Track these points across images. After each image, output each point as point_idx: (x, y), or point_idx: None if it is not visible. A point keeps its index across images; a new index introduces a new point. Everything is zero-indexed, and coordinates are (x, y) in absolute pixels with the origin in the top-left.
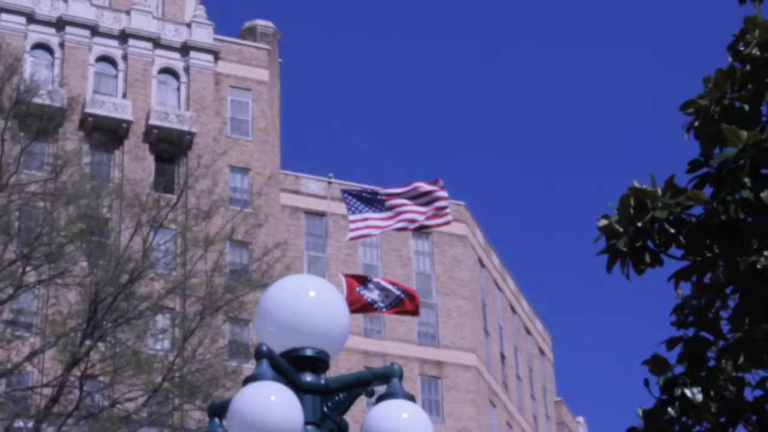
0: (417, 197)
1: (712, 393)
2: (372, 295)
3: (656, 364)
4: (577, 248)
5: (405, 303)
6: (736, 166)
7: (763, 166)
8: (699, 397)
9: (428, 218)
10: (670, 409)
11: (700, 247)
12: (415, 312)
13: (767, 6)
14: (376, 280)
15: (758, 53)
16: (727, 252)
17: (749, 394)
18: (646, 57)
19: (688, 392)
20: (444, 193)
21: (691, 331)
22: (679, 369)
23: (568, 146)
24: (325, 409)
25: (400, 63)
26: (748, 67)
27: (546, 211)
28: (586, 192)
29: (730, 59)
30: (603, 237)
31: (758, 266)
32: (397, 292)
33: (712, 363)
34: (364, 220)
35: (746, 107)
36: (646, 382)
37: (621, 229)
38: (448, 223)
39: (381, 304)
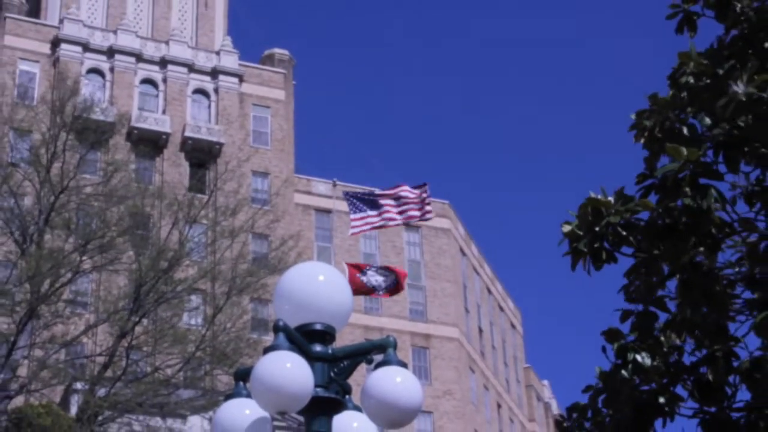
0: (405, 197)
1: (657, 358)
2: (372, 281)
3: (611, 334)
4: (543, 239)
5: (398, 286)
6: (678, 177)
7: (701, 177)
8: (647, 361)
9: (413, 215)
10: (623, 372)
11: (648, 246)
12: (401, 289)
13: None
14: (374, 268)
15: (693, 82)
16: (670, 250)
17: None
18: (618, 68)
19: (638, 357)
20: (427, 195)
21: (640, 306)
22: (630, 338)
23: (538, 153)
24: (332, 374)
25: (394, 83)
26: (685, 94)
27: (518, 209)
28: (551, 192)
29: (669, 87)
30: (566, 240)
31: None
32: (392, 278)
33: (657, 333)
34: (364, 218)
35: (684, 129)
36: (604, 349)
37: (581, 233)
38: (429, 218)
39: (379, 290)
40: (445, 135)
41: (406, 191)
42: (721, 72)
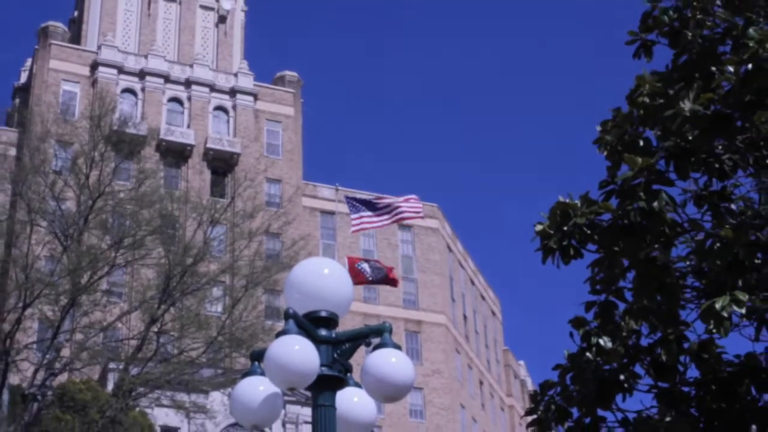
0: (397, 205)
1: (617, 341)
2: (366, 271)
3: (578, 322)
4: (520, 237)
5: (387, 278)
6: (634, 184)
7: (654, 183)
8: (609, 344)
9: (404, 216)
10: (588, 354)
11: (609, 243)
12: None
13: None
14: (370, 262)
15: (648, 101)
16: (628, 246)
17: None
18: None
19: (600, 341)
20: (417, 204)
21: (602, 297)
22: (593, 324)
23: (515, 162)
24: (336, 355)
25: (391, 99)
26: (641, 112)
27: (498, 210)
28: (528, 195)
29: (628, 106)
30: (538, 238)
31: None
32: (381, 272)
33: (617, 319)
34: (362, 218)
35: (641, 142)
36: (571, 335)
37: (552, 232)
38: (420, 217)
39: (371, 278)
40: (433, 143)
41: (398, 200)
42: (671, 92)
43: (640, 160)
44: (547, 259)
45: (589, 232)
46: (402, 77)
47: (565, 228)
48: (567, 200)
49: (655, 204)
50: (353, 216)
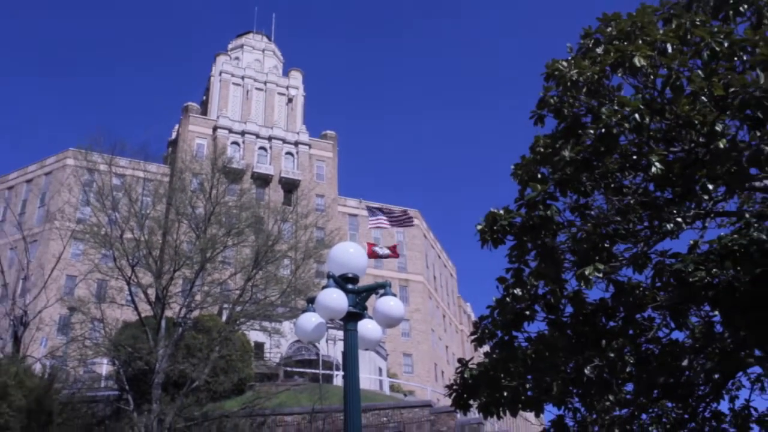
0: (397, 213)
1: (524, 291)
2: (379, 251)
3: (501, 279)
4: (468, 230)
5: (394, 253)
6: (536, 200)
7: (547, 200)
8: (519, 293)
9: (402, 223)
10: (507, 299)
11: (520, 235)
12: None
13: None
14: (380, 246)
15: (543, 150)
16: (532, 237)
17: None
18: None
19: (515, 291)
20: (411, 216)
21: (516, 266)
22: (511, 281)
23: (465, 184)
24: (357, 300)
25: (397, 137)
26: (539, 157)
27: (456, 213)
28: (475, 207)
29: (530, 153)
30: (478, 233)
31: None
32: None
33: (525, 279)
34: (375, 220)
35: (539, 175)
36: (497, 287)
37: (487, 229)
38: (411, 225)
39: (382, 254)
40: (418, 170)
41: (396, 211)
42: (557, 146)
43: (539, 186)
44: (484, 245)
45: (509, 229)
46: (401, 126)
47: (495, 227)
48: (496, 210)
49: (548, 212)
50: (370, 218)
